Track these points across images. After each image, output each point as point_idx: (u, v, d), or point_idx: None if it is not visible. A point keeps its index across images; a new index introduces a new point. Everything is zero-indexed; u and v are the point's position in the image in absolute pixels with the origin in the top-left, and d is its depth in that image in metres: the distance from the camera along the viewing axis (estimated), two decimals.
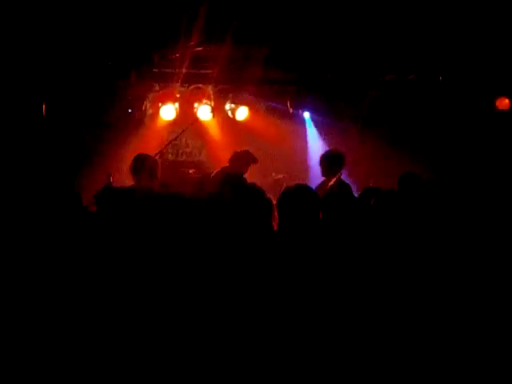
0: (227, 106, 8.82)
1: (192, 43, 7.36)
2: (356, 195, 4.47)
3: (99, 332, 3.30)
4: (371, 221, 3.93)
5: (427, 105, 8.26)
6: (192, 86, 8.45)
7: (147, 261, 3.54)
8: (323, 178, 6.75)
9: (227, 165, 7.20)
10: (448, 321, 3.44)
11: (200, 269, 3.53)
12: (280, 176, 9.07)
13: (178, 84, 8.38)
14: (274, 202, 4.97)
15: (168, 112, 8.43)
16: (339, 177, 6.56)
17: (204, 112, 8.54)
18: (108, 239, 3.72)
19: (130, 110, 8.47)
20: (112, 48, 7.21)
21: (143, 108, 8.59)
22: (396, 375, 3.27)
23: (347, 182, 6.53)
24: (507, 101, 8.11)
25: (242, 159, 7.23)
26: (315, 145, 8.98)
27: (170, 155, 9.30)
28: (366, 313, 3.39)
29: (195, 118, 8.66)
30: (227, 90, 8.67)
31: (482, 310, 3.46)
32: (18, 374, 3.14)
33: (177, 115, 8.53)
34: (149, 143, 8.67)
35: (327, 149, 7.24)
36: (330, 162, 6.70)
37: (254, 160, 7.31)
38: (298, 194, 3.88)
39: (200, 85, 8.46)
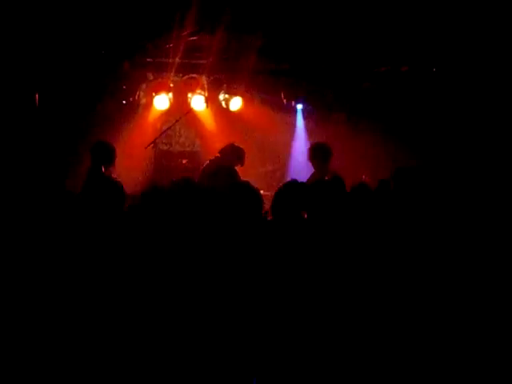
0: (221, 97, 8.80)
1: (186, 33, 7.34)
2: (347, 188, 4.49)
3: (101, 329, 3.31)
4: (365, 216, 3.95)
5: (421, 96, 8.26)
6: (186, 76, 8.44)
7: (144, 255, 3.55)
8: (312, 171, 6.80)
9: (218, 155, 7.14)
10: (444, 314, 3.46)
11: (194, 260, 3.55)
12: (273, 167, 9.09)
13: (172, 74, 8.36)
14: (267, 193, 4.98)
15: (162, 102, 8.42)
16: (330, 170, 6.59)
17: (198, 102, 8.54)
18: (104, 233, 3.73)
19: (124, 102, 8.43)
20: (105, 37, 7.17)
21: (136, 98, 8.56)
22: (395, 372, 3.30)
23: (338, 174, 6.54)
24: None
25: (236, 154, 7.01)
26: (301, 138, 8.92)
27: (163, 145, 9.28)
28: (360, 306, 3.41)
29: (189, 108, 8.64)
30: (221, 80, 8.65)
31: (479, 305, 3.48)
32: (18, 374, 3.14)
33: (170, 105, 8.53)
34: (142, 133, 8.66)
35: (314, 142, 7.22)
36: (318, 154, 6.75)
37: (242, 160, 6.99)
38: (289, 191, 3.94)
39: (194, 75, 8.45)
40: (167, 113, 8.76)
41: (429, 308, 3.47)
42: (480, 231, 3.82)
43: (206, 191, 4.25)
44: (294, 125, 9.03)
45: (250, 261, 3.55)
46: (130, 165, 8.06)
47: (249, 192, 4.15)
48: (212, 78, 8.59)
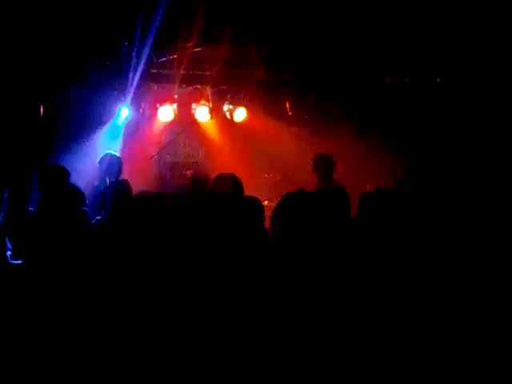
0: (225, 107, 8.81)
1: (190, 44, 7.36)
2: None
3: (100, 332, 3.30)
4: (369, 226, 3.94)
5: (425, 107, 8.26)
6: (190, 87, 8.46)
7: (145, 262, 3.54)
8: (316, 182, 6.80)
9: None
10: (447, 322, 3.44)
11: (195, 269, 3.54)
12: (277, 178, 9.08)
13: (176, 85, 8.39)
14: (272, 204, 4.96)
15: (166, 113, 8.44)
16: (334, 181, 6.58)
17: (202, 113, 8.55)
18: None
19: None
20: (109, 49, 7.21)
21: (141, 109, 8.58)
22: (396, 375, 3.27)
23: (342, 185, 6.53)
24: None
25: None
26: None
27: (167, 156, 9.30)
28: (363, 315, 3.38)
29: (193, 119, 8.66)
30: (225, 91, 8.67)
31: (481, 311, 3.45)
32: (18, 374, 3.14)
33: (175, 116, 8.54)
34: (147, 144, 8.68)
35: (318, 153, 7.22)
36: (322, 165, 6.75)
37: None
38: (298, 199, 3.92)
39: (198, 86, 8.47)
40: (171, 124, 8.78)
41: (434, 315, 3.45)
42: (485, 238, 3.80)
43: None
44: (298, 135, 9.02)
45: (252, 274, 3.54)
46: (135, 176, 8.07)
47: (251, 205, 4.16)
48: (216, 88, 8.62)
